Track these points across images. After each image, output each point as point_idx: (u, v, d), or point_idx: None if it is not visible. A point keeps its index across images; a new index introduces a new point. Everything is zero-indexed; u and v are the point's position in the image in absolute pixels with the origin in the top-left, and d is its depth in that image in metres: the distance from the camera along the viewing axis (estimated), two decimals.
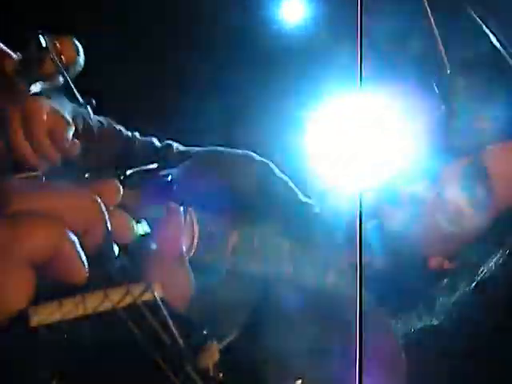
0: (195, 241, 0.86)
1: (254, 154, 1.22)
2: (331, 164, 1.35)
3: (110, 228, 0.45)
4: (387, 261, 1.12)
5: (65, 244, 0.41)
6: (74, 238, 0.42)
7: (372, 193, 1.09)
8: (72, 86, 1.11)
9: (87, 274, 0.43)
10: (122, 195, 0.48)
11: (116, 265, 0.50)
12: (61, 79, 0.92)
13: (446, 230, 1.07)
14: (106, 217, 0.45)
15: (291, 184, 1.23)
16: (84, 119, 1.09)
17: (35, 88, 0.90)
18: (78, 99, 1.16)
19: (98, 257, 0.46)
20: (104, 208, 0.44)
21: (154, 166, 0.93)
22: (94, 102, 1.24)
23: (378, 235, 1.08)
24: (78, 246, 0.42)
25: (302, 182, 1.23)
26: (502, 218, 1.09)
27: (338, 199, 1.18)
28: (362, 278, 0.79)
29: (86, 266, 0.43)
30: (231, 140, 1.53)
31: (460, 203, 1.05)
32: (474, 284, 1.14)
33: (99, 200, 0.44)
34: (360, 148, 1.22)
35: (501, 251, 1.12)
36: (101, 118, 1.17)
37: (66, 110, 1.00)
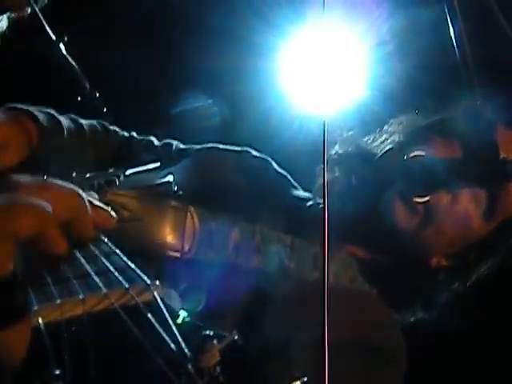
0: (196, 239, 0.86)
1: (253, 151, 1.21)
2: (298, 91, 1.36)
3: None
4: (391, 259, 1.11)
5: (49, 225, 0.46)
6: (56, 220, 0.47)
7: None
8: (40, 16, 1.11)
9: (67, 251, 0.47)
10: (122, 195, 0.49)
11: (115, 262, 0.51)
12: (28, 10, 0.92)
13: (452, 235, 1.06)
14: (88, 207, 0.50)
15: (291, 179, 1.23)
16: (73, 123, 1.10)
17: (2, 21, 0.90)
18: (47, 32, 1.17)
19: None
20: (86, 199, 0.50)
21: (154, 165, 0.93)
22: (66, 38, 1.25)
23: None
24: (59, 227, 0.48)
25: None
26: (505, 224, 1.08)
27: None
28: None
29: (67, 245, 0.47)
30: None
31: (469, 211, 1.04)
32: (469, 282, 1.14)
33: (83, 194, 0.50)
34: (326, 74, 1.24)
35: (498, 253, 1.12)
36: (93, 121, 1.17)
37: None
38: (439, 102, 1.18)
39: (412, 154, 1.05)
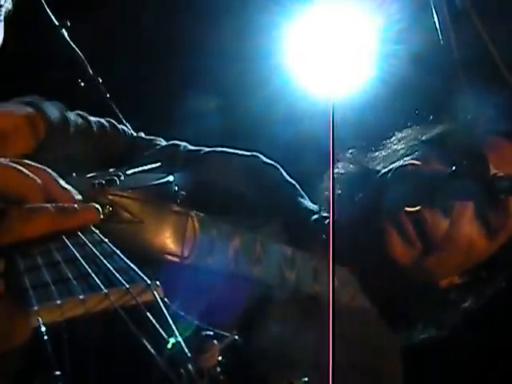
0: (196, 245, 0.85)
1: (262, 156, 1.19)
2: (305, 73, 1.37)
3: None
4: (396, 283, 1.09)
5: None
6: None
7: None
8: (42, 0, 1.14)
9: None
10: (123, 196, 0.48)
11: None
12: None
13: (457, 260, 1.05)
14: None
15: (299, 188, 1.21)
16: (82, 121, 1.09)
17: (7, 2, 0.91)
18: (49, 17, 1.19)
19: None
20: None
21: (156, 165, 0.92)
22: (68, 23, 1.29)
23: None
24: None
25: None
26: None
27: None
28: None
29: None
30: None
31: (472, 235, 1.02)
32: (481, 298, 1.12)
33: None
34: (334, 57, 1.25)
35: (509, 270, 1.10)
36: (102, 120, 1.17)
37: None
38: (439, 109, 1.18)
39: (406, 162, 1.05)
